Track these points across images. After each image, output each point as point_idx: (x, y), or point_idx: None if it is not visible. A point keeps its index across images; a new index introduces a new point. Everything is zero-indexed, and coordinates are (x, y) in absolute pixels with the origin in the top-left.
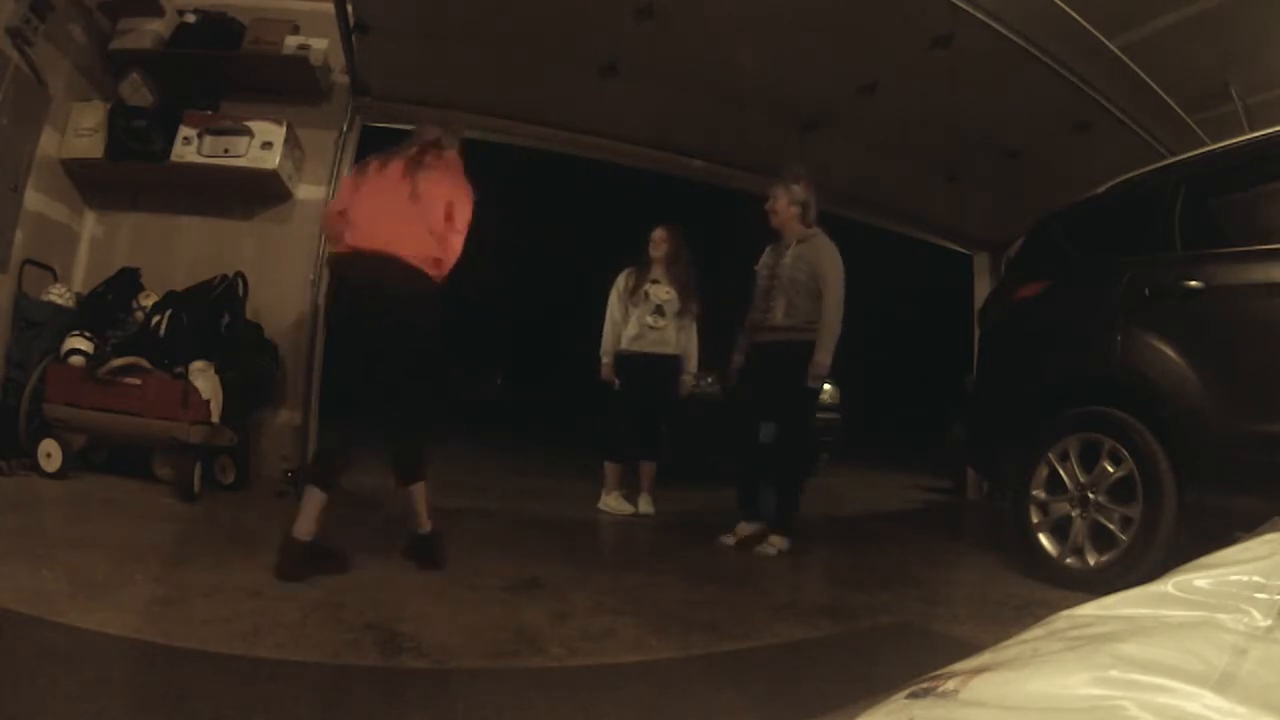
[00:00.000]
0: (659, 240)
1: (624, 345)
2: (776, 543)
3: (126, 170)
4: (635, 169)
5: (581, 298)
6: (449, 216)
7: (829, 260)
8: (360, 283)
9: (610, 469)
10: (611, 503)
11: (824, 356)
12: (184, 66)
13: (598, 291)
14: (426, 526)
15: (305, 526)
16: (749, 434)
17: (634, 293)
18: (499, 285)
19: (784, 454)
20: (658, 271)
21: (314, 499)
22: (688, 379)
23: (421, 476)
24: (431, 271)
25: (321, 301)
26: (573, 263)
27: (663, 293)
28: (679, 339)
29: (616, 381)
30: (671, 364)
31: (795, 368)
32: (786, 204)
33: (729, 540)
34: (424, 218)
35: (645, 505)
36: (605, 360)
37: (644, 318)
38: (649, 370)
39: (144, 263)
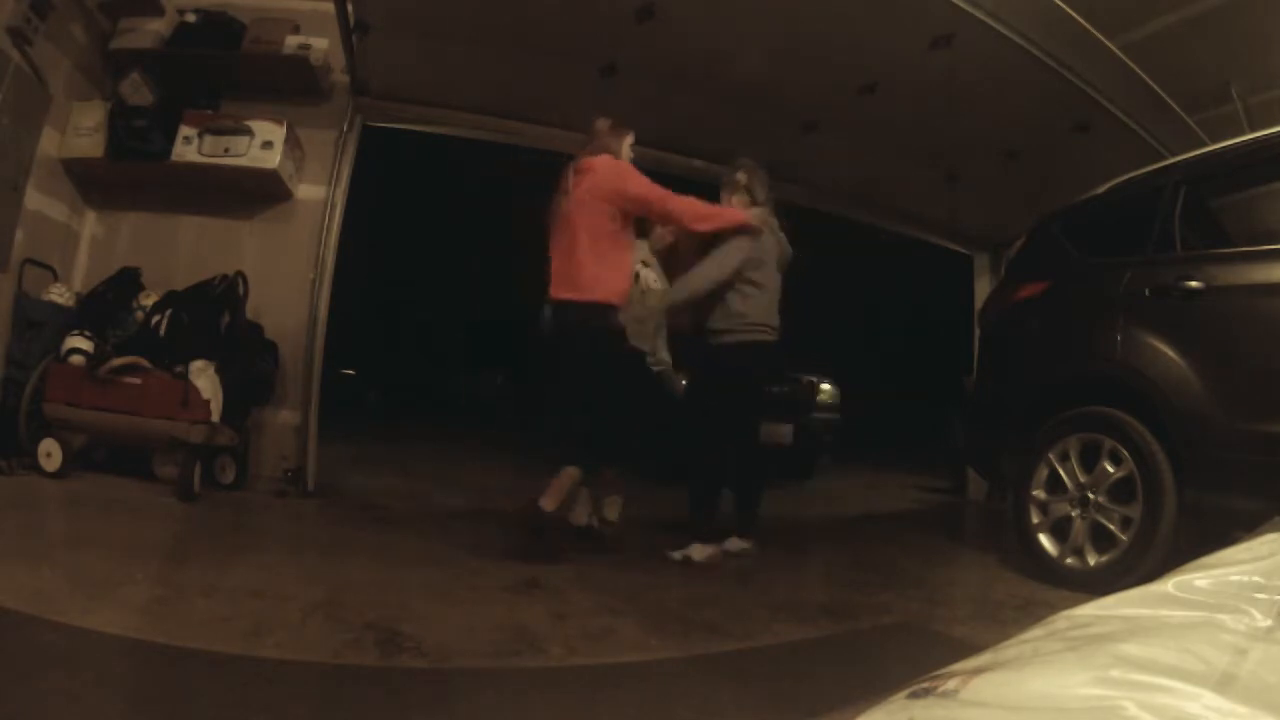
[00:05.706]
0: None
1: None
2: (734, 545)
3: (126, 170)
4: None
5: None
6: (625, 212)
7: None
8: (555, 328)
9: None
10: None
11: (673, 297)
12: (184, 66)
13: None
14: (546, 504)
15: (552, 500)
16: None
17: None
18: (500, 283)
19: (736, 455)
20: (649, 254)
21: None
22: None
23: (574, 462)
24: (599, 297)
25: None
26: None
27: (652, 278)
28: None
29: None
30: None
31: (728, 368)
32: (729, 199)
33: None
34: (592, 242)
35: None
36: None
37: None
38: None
39: (144, 262)
